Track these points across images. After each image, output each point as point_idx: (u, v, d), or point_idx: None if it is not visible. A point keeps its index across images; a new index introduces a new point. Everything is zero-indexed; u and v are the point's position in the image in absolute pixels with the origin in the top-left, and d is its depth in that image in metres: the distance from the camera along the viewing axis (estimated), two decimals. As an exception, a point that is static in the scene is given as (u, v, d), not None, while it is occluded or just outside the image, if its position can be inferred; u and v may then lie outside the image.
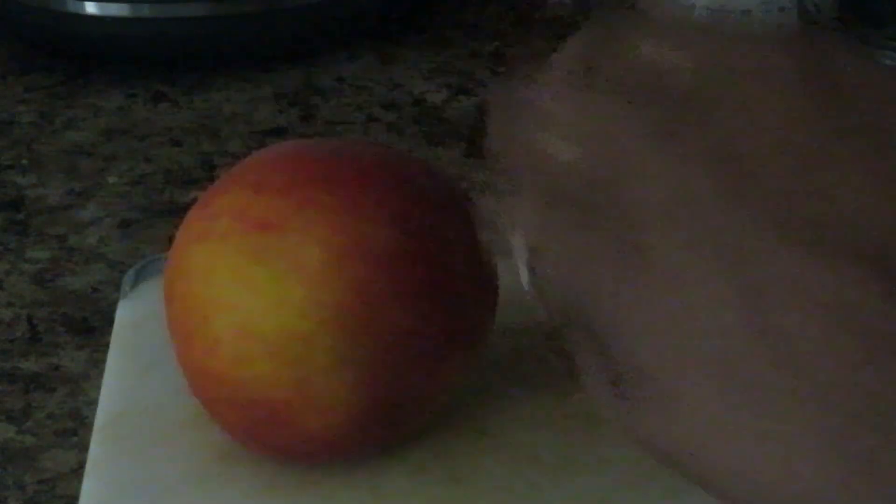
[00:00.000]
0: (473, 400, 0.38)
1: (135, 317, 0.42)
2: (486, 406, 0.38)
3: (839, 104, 0.25)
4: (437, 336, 0.33)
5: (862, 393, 0.22)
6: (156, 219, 0.54)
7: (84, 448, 0.42)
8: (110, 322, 0.47)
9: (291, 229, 0.32)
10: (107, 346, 0.46)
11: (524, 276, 0.28)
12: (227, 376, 0.33)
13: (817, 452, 0.23)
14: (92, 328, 0.48)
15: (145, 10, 0.64)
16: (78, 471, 0.41)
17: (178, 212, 0.55)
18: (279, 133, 0.61)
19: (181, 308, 0.34)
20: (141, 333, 0.41)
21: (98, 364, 0.46)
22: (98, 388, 0.44)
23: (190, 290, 0.33)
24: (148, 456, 0.36)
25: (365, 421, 0.33)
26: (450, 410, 0.37)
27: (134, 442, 0.37)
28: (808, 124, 0.24)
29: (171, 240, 0.53)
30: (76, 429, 0.43)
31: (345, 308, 0.32)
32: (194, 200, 0.55)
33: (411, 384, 0.33)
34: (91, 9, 0.65)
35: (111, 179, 0.58)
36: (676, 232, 0.25)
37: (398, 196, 0.33)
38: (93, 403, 0.44)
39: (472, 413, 0.37)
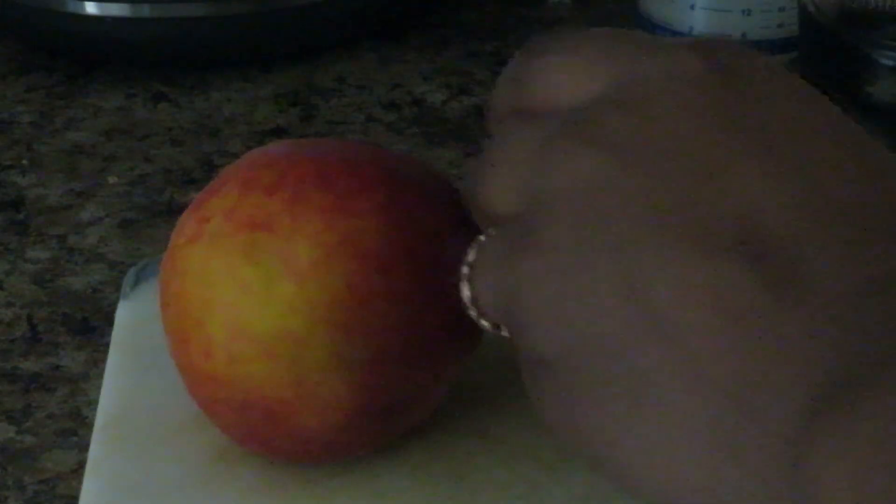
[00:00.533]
0: (473, 399, 0.38)
1: (135, 317, 0.42)
2: (486, 405, 0.38)
3: (740, 112, 0.25)
4: (432, 332, 0.33)
5: (735, 373, 0.22)
6: (156, 219, 0.54)
7: (84, 448, 0.42)
8: (110, 322, 0.47)
9: (281, 228, 0.32)
10: (107, 346, 0.46)
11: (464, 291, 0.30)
12: (223, 377, 0.33)
13: (697, 441, 0.23)
14: (92, 328, 0.48)
15: (145, 10, 0.64)
16: (78, 471, 0.41)
17: (178, 212, 0.55)
18: (279, 133, 0.61)
19: (176, 310, 0.34)
20: (141, 334, 0.41)
21: (98, 364, 0.46)
22: (98, 388, 0.44)
23: (184, 291, 0.33)
24: (148, 456, 0.36)
25: (363, 418, 0.33)
26: (449, 410, 0.37)
27: (134, 442, 0.37)
28: (707, 131, 0.25)
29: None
30: (76, 429, 0.43)
31: (337, 305, 0.32)
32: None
33: (407, 381, 0.33)
34: (91, 9, 0.65)
35: (111, 179, 0.58)
36: (569, 217, 0.25)
37: (389, 192, 0.33)
38: (93, 403, 0.44)
39: (472, 412, 0.37)
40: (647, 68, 0.26)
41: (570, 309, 0.25)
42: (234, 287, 0.32)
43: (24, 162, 0.59)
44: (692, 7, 0.63)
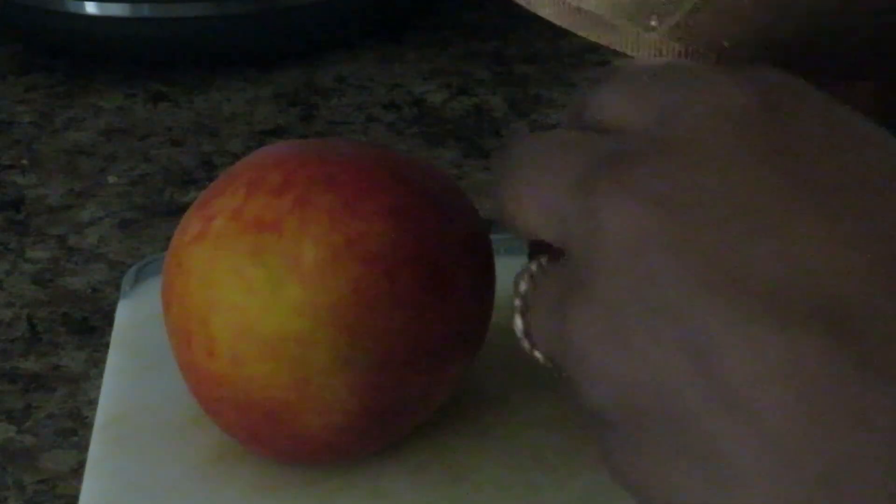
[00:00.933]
0: (474, 399, 0.38)
1: (135, 317, 0.42)
2: (486, 406, 0.38)
3: (794, 155, 0.24)
4: (436, 335, 0.33)
5: (823, 458, 0.21)
6: (156, 219, 0.54)
7: (84, 448, 0.42)
8: (110, 322, 0.47)
9: (288, 229, 0.32)
10: (107, 346, 0.46)
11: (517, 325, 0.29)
12: (226, 377, 0.33)
13: None
14: (92, 328, 0.48)
15: (145, 10, 0.64)
16: (78, 471, 0.41)
17: (178, 212, 0.55)
18: (279, 133, 0.61)
19: (179, 309, 0.34)
20: (141, 333, 0.41)
21: (98, 364, 0.46)
22: (98, 388, 0.44)
23: (187, 291, 0.33)
24: (148, 456, 0.36)
25: (364, 420, 0.33)
26: (450, 410, 0.37)
27: (134, 442, 0.37)
28: (761, 179, 0.24)
29: (170, 240, 0.53)
30: (76, 429, 0.43)
31: (342, 307, 0.32)
32: (194, 200, 0.55)
33: (410, 383, 0.33)
34: (91, 9, 0.65)
35: (111, 179, 0.58)
36: (622, 271, 0.24)
37: (395, 194, 0.33)
38: (93, 403, 0.44)
39: (473, 413, 0.37)
40: (693, 102, 0.25)
41: (631, 370, 0.24)
42: (239, 287, 0.32)
43: (24, 162, 0.59)
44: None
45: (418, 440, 0.36)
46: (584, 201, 0.25)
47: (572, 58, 0.67)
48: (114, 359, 0.41)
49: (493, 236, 0.36)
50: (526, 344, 0.29)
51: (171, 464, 0.36)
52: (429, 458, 0.36)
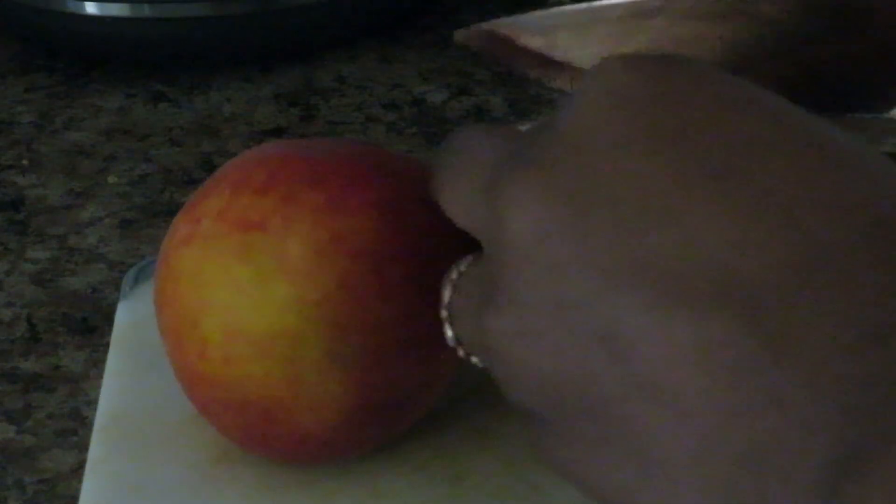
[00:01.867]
0: (473, 398, 0.38)
1: (135, 317, 0.42)
2: (485, 405, 0.38)
3: (683, 136, 0.23)
4: (427, 330, 0.33)
5: (742, 438, 0.21)
6: (156, 219, 0.54)
7: (84, 448, 0.42)
8: (110, 322, 0.47)
9: (274, 227, 0.32)
10: (107, 346, 0.46)
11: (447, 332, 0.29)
12: (219, 378, 0.33)
13: (714, 502, 0.22)
14: (92, 328, 0.48)
15: (145, 10, 0.64)
16: (78, 471, 0.41)
17: (177, 212, 0.55)
18: (279, 133, 0.61)
19: (170, 312, 0.34)
20: (141, 334, 0.41)
21: (98, 364, 0.46)
22: (98, 388, 0.44)
23: (178, 293, 0.33)
24: (148, 456, 0.36)
25: (359, 417, 0.33)
26: (449, 410, 0.37)
27: (134, 442, 0.37)
28: (652, 164, 0.23)
29: (171, 240, 0.53)
30: (76, 429, 0.43)
31: (331, 304, 0.32)
32: (194, 200, 0.56)
33: (403, 378, 0.33)
34: (91, 9, 0.65)
35: (111, 179, 0.58)
36: (528, 270, 0.24)
37: (380, 189, 0.33)
38: (93, 403, 0.44)
39: (472, 412, 0.37)
40: (584, 90, 0.25)
41: (546, 364, 0.24)
42: (227, 288, 0.32)
43: (24, 162, 0.59)
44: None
45: (417, 440, 0.36)
46: (490, 199, 0.25)
47: (572, 58, 0.67)
48: (113, 359, 0.41)
49: None
50: (461, 351, 0.29)
51: (171, 464, 0.36)
52: (428, 458, 0.36)
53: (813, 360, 0.21)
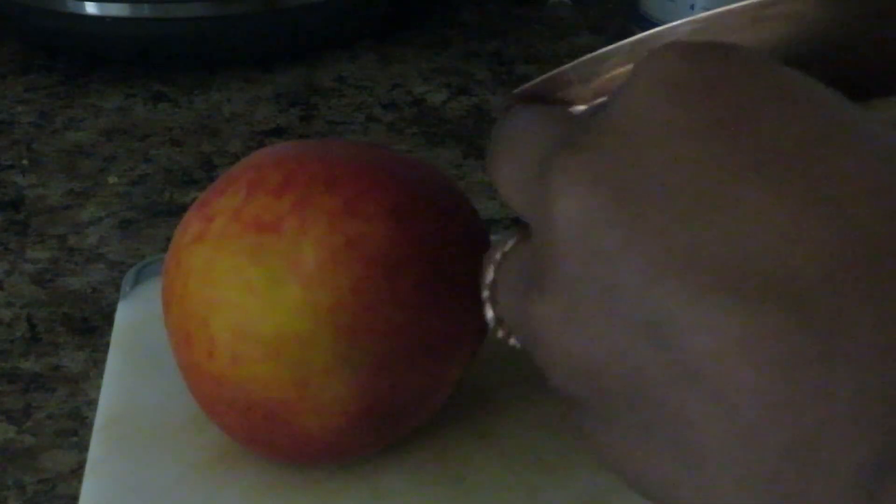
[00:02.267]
0: (473, 400, 0.38)
1: (135, 317, 0.42)
2: (485, 406, 0.38)
3: (735, 124, 0.23)
4: (435, 335, 0.33)
5: (787, 432, 0.21)
6: (156, 219, 0.54)
7: (84, 448, 0.42)
8: (110, 322, 0.47)
9: (288, 229, 0.32)
10: (107, 346, 0.46)
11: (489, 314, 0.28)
12: (226, 378, 0.33)
13: (757, 494, 0.22)
14: (92, 328, 0.48)
15: (145, 10, 0.64)
16: (78, 471, 0.41)
17: (178, 212, 0.55)
18: (279, 133, 0.61)
19: (179, 310, 0.34)
20: (141, 334, 0.41)
21: (98, 364, 0.46)
22: (98, 388, 0.44)
23: (187, 291, 0.33)
24: (148, 456, 0.36)
25: (364, 421, 0.33)
26: (450, 411, 0.37)
27: (134, 442, 0.37)
28: (703, 152, 0.23)
29: (171, 240, 0.53)
30: (76, 429, 0.43)
31: (342, 308, 0.32)
32: (194, 200, 0.55)
33: (410, 384, 0.33)
34: (91, 9, 0.65)
35: (111, 179, 0.58)
36: (576, 258, 0.24)
37: (395, 195, 0.33)
38: (93, 403, 0.44)
39: (472, 413, 0.37)
40: (634, 77, 0.25)
41: (591, 351, 0.24)
42: (239, 288, 0.32)
43: (24, 162, 0.59)
44: (692, 7, 0.63)
45: (418, 440, 0.36)
46: (542, 182, 0.25)
47: (571, 58, 0.67)
48: (114, 360, 0.41)
49: (492, 236, 0.36)
50: (500, 333, 0.29)
51: (170, 464, 0.36)
52: (428, 459, 0.36)
53: (862, 357, 0.21)
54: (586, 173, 0.24)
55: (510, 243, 0.28)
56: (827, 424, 0.21)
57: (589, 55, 0.30)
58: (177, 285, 0.34)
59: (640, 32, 0.28)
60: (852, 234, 0.22)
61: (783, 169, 0.22)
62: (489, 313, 0.29)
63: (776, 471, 0.22)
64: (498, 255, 0.28)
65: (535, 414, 0.37)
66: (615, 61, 0.29)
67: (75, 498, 0.40)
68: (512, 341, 0.29)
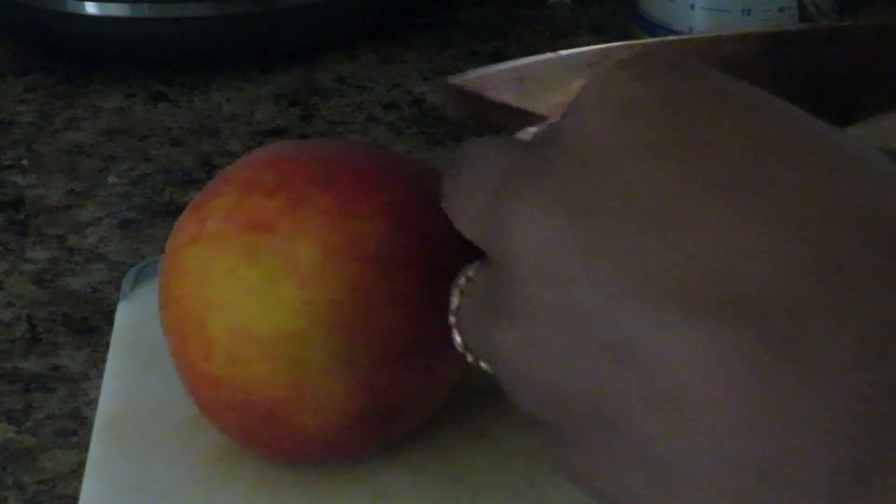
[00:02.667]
0: (473, 400, 0.38)
1: (135, 317, 0.42)
2: (485, 406, 0.38)
3: (686, 142, 0.23)
4: (433, 335, 0.33)
5: (758, 450, 0.21)
6: (156, 219, 0.54)
7: (84, 448, 0.42)
8: (110, 322, 0.47)
9: (283, 229, 0.32)
10: (107, 346, 0.46)
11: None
12: (223, 378, 0.33)
13: None
14: (92, 328, 0.48)
15: (145, 11, 0.64)
16: (78, 471, 0.41)
17: (178, 212, 0.55)
18: (279, 133, 0.61)
19: (176, 310, 0.34)
20: (141, 334, 0.41)
21: (98, 364, 0.46)
22: (98, 388, 0.44)
23: (184, 292, 0.33)
24: (148, 456, 0.36)
25: (362, 420, 0.33)
26: (449, 410, 0.37)
27: (134, 443, 0.37)
28: (656, 172, 0.23)
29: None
30: (76, 429, 0.43)
31: (338, 307, 0.32)
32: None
33: (407, 383, 0.33)
34: (91, 9, 0.65)
35: (111, 179, 0.58)
36: (536, 281, 0.24)
37: (391, 194, 0.33)
38: (93, 403, 0.44)
39: (472, 413, 0.37)
40: (586, 96, 0.24)
41: (555, 375, 0.24)
42: (234, 288, 0.32)
43: (24, 162, 0.59)
44: (692, 7, 0.63)
45: (418, 440, 0.36)
46: (496, 210, 0.25)
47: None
48: (114, 360, 0.41)
49: None
50: (470, 357, 0.29)
51: (170, 465, 0.36)
52: (428, 458, 0.36)
53: (823, 371, 0.21)
54: (541, 197, 0.24)
55: (472, 269, 0.28)
56: (791, 438, 0.21)
57: (520, 61, 0.30)
58: (173, 287, 0.34)
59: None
60: (810, 248, 0.22)
61: (737, 184, 0.22)
62: (457, 339, 0.29)
63: (743, 486, 0.21)
64: (462, 281, 0.28)
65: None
66: (551, 68, 0.29)
67: (75, 498, 0.40)
68: (483, 365, 0.29)
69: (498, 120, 0.34)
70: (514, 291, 0.24)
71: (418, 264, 0.33)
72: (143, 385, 0.39)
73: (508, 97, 0.32)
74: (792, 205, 0.22)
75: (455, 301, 0.28)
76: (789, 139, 0.23)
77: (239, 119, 0.62)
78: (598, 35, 0.71)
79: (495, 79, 0.31)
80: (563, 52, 0.32)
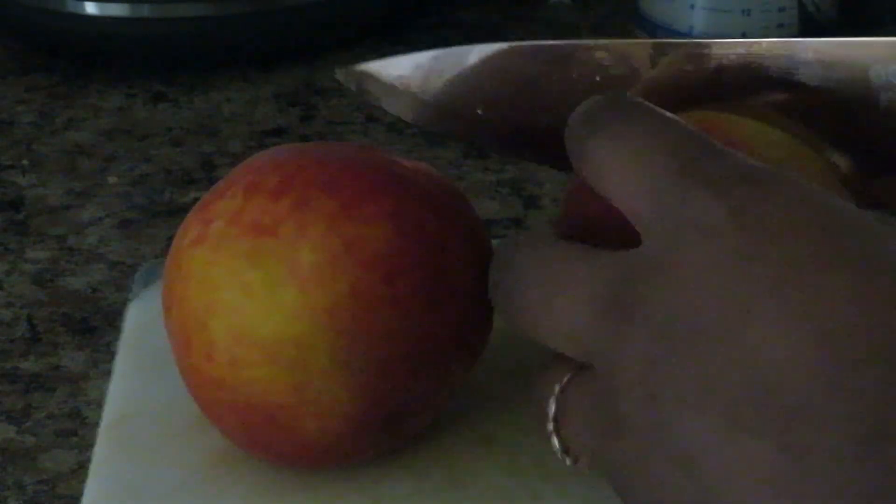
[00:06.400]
0: (477, 405, 0.38)
1: (145, 317, 0.42)
2: (489, 412, 0.37)
3: (760, 259, 0.25)
4: (435, 339, 0.33)
5: None
6: (156, 219, 0.54)
7: (84, 448, 0.42)
8: (110, 322, 0.47)
9: (286, 232, 0.32)
10: (107, 346, 0.46)
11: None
12: (225, 381, 0.33)
13: None
14: (92, 328, 0.48)
15: (145, 10, 0.64)
16: (78, 471, 0.41)
17: (178, 212, 0.55)
18: (279, 133, 0.61)
19: (179, 312, 0.34)
20: (150, 334, 0.41)
21: (98, 364, 0.46)
22: (98, 388, 0.44)
23: (187, 293, 0.33)
24: (152, 457, 0.36)
25: (364, 425, 0.33)
26: (453, 416, 0.37)
27: (139, 443, 0.37)
28: (724, 282, 0.25)
29: (171, 240, 0.53)
30: (76, 429, 0.43)
31: (339, 311, 0.32)
32: (194, 200, 0.55)
33: (409, 388, 0.33)
34: (91, 9, 0.65)
35: (111, 179, 0.58)
36: (635, 397, 0.26)
37: (395, 198, 0.33)
38: (93, 403, 0.44)
39: (476, 419, 0.37)
40: (674, 216, 0.27)
41: (648, 493, 0.27)
42: (237, 291, 0.32)
43: (24, 162, 0.59)
44: (692, 7, 0.63)
45: (420, 445, 0.36)
46: (604, 328, 0.27)
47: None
48: (122, 360, 0.41)
49: (493, 241, 0.36)
50: (568, 461, 0.31)
51: (174, 466, 0.36)
52: (431, 464, 0.36)
53: (827, 472, 0.24)
54: (642, 319, 0.26)
55: (566, 378, 0.30)
56: None
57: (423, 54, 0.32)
58: (176, 288, 0.34)
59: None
60: (828, 364, 0.24)
61: (784, 300, 0.25)
62: (556, 443, 0.30)
63: None
64: (557, 388, 0.30)
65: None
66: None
67: (75, 498, 0.40)
68: (581, 467, 0.31)
69: (396, 108, 0.36)
70: (620, 408, 0.27)
71: (421, 270, 0.33)
72: (150, 385, 0.39)
73: (412, 84, 0.35)
74: (827, 316, 0.24)
75: (552, 406, 0.30)
76: (840, 251, 0.25)
77: (239, 119, 0.62)
78: (599, 35, 0.71)
79: (396, 66, 0.34)
80: (456, 48, 0.35)
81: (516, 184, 0.56)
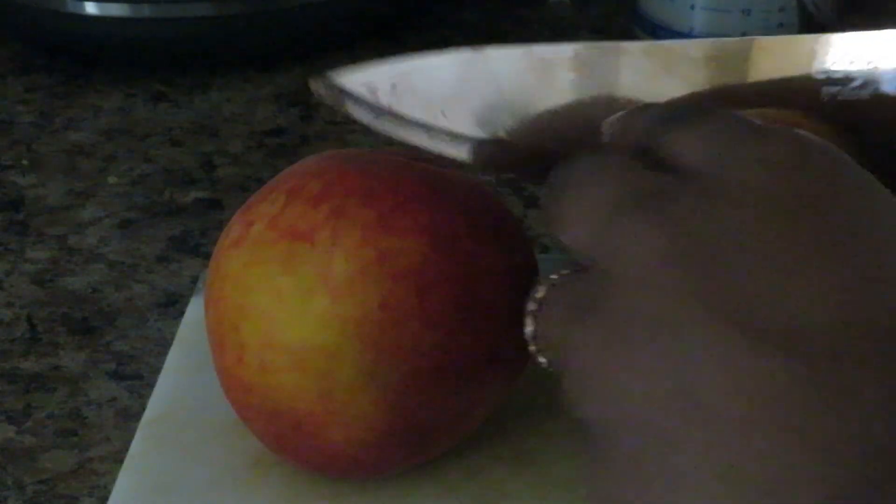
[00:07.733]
0: (513, 423, 0.37)
1: (202, 315, 0.42)
2: (525, 431, 0.37)
3: (813, 209, 0.26)
4: (466, 357, 0.32)
5: (767, 470, 0.23)
6: (156, 219, 0.54)
7: (84, 448, 0.42)
8: (110, 322, 0.47)
9: (321, 240, 0.32)
10: (107, 346, 0.46)
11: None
12: (254, 384, 0.33)
13: None
14: (92, 328, 0.48)
15: (145, 11, 0.64)
16: (78, 471, 0.41)
17: (178, 212, 0.55)
18: (279, 133, 0.61)
19: (215, 313, 0.34)
20: (204, 332, 0.41)
21: (98, 364, 0.46)
22: (98, 388, 0.44)
23: (222, 295, 0.33)
24: (186, 455, 0.36)
25: (390, 438, 0.33)
26: (487, 432, 0.36)
27: (176, 440, 0.37)
28: (781, 226, 0.25)
29: (171, 240, 0.53)
30: (76, 429, 0.43)
31: (370, 323, 0.31)
32: (195, 200, 0.56)
33: (438, 404, 0.33)
34: (91, 9, 0.65)
35: (111, 179, 0.58)
36: (627, 289, 0.26)
37: (433, 213, 0.33)
38: (93, 403, 0.44)
39: (510, 436, 0.37)
40: (740, 150, 0.27)
41: (615, 381, 0.25)
42: (269, 295, 0.32)
43: (24, 162, 0.59)
44: (692, 7, 0.63)
45: (453, 459, 0.36)
46: (617, 224, 0.26)
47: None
48: (174, 356, 0.41)
49: (539, 258, 0.35)
50: (532, 347, 0.30)
51: (207, 465, 0.36)
52: (459, 480, 0.35)
53: (852, 411, 0.23)
54: (668, 221, 0.26)
55: (567, 271, 0.29)
56: (801, 467, 0.23)
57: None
58: (214, 288, 0.34)
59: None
60: (871, 305, 0.24)
61: (834, 258, 0.25)
62: (529, 327, 0.29)
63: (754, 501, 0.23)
64: (554, 276, 0.29)
65: (575, 444, 0.36)
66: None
67: (76, 498, 0.40)
68: (541, 359, 0.30)
69: (369, 119, 0.35)
70: (607, 295, 0.26)
71: (453, 285, 0.32)
72: (195, 383, 0.39)
73: (386, 99, 0.34)
74: (872, 269, 0.25)
75: (541, 290, 0.29)
76: (882, 220, 0.26)
77: (239, 119, 0.62)
78: (598, 35, 0.71)
79: (375, 79, 0.33)
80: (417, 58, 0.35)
81: (516, 184, 0.56)
